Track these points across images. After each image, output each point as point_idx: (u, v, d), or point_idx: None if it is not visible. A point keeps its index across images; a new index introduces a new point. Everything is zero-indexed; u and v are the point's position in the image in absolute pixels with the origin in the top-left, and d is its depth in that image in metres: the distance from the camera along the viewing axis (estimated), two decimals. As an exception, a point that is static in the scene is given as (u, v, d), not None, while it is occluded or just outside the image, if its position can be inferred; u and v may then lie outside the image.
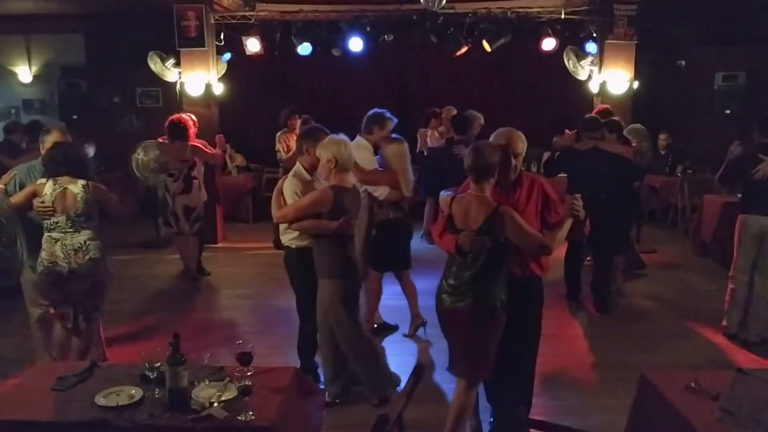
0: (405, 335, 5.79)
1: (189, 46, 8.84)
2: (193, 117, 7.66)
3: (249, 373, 2.90)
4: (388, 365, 4.59)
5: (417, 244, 5.93)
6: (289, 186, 4.35)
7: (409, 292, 5.74)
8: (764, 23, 10.45)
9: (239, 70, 10.13)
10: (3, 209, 4.24)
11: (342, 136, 4.27)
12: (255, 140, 10.69)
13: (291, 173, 4.45)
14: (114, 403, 2.80)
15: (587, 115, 6.81)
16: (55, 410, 2.85)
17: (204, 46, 8.83)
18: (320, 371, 4.63)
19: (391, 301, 6.70)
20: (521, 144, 3.65)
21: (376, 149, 5.37)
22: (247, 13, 9.16)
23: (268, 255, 8.22)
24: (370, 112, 5.50)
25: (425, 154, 7.93)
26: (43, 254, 4.36)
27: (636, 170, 6.56)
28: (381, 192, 5.27)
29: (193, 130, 7.32)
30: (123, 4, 9.46)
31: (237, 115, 10.34)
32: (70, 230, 4.34)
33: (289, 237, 4.47)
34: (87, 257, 4.36)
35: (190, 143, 7.15)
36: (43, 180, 4.37)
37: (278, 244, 4.69)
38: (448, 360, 3.78)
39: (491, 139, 3.69)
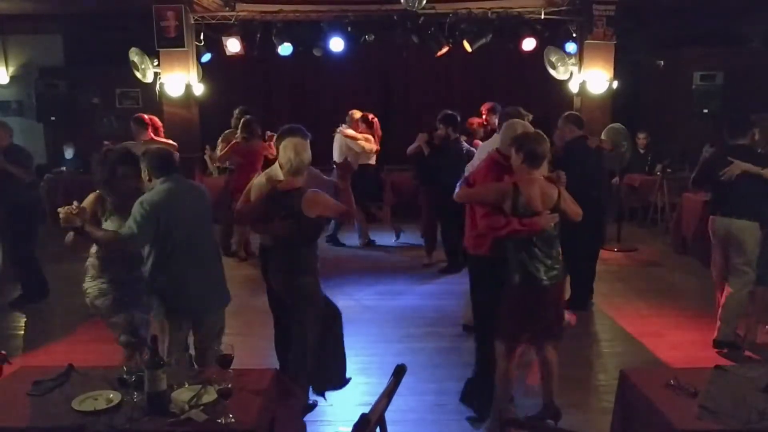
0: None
1: (168, 47, 8.79)
2: (156, 119, 7.78)
3: (229, 376, 2.87)
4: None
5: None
6: (256, 186, 4.31)
7: None
8: (741, 24, 10.60)
9: (219, 70, 10.08)
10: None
11: (300, 140, 4.11)
12: (236, 141, 10.63)
13: (265, 172, 4.39)
14: (92, 408, 2.76)
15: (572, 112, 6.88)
16: (31, 416, 2.80)
17: (183, 47, 8.78)
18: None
19: (371, 301, 6.72)
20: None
21: None
22: (227, 14, 9.12)
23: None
24: (509, 108, 5.43)
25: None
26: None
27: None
28: None
29: (150, 129, 7.48)
30: (101, 4, 9.37)
31: (217, 116, 10.28)
32: None
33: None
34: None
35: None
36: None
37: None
38: (534, 332, 4.03)
39: (503, 130, 4.25)
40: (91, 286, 3.97)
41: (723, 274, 5.43)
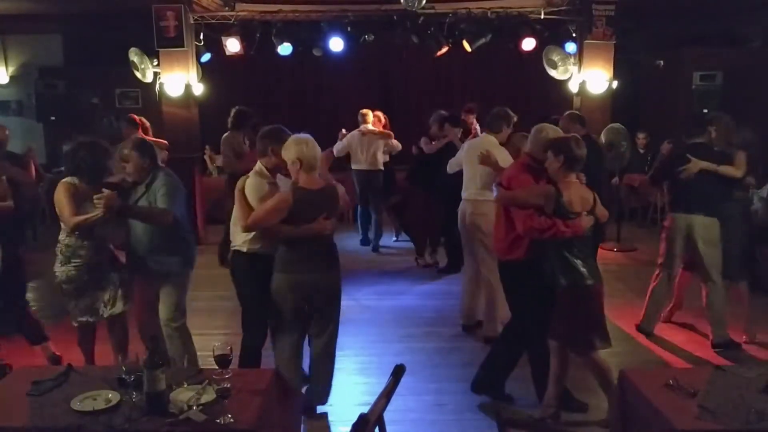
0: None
1: (168, 47, 8.78)
2: (145, 121, 7.88)
3: (227, 376, 2.87)
4: None
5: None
6: (254, 187, 4.06)
7: None
8: (741, 24, 10.59)
9: (219, 70, 10.08)
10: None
11: (305, 135, 4.06)
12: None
13: (252, 173, 4.16)
14: (90, 408, 2.76)
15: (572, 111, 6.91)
16: (30, 416, 2.79)
17: (183, 47, 8.77)
18: None
19: (371, 301, 6.72)
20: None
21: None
22: (226, 13, 9.11)
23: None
24: (496, 109, 5.52)
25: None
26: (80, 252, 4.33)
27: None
28: None
29: (141, 130, 7.56)
30: (101, 4, 9.36)
31: (217, 116, 10.28)
32: None
33: (241, 239, 4.16)
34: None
35: None
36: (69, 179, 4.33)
37: (224, 261, 4.59)
38: (571, 337, 4.01)
39: (534, 134, 4.29)
40: (61, 271, 4.27)
41: (678, 268, 5.64)
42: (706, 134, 5.46)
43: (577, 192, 3.93)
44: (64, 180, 4.26)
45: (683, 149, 5.51)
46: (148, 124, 7.91)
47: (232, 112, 7.75)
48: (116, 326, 4.52)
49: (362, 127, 8.50)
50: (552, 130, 4.30)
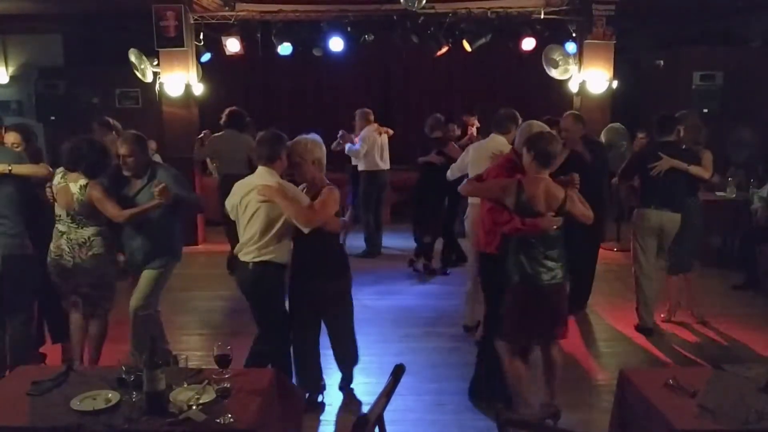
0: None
1: (168, 47, 8.78)
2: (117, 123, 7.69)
3: (227, 376, 2.87)
4: None
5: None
6: (291, 188, 4.13)
7: None
8: (741, 24, 10.59)
9: (219, 70, 10.08)
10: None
11: (317, 136, 4.23)
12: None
13: (278, 180, 4.13)
14: (90, 408, 2.76)
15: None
16: (30, 415, 2.79)
17: (183, 46, 8.78)
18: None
19: (371, 301, 6.72)
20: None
21: None
22: (226, 13, 9.12)
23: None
24: (504, 110, 5.48)
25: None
26: (51, 246, 4.44)
27: None
28: None
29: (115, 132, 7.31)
30: (101, 4, 9.35)
31: (217, 116, 10.29)
32: (73, 225, 4.39)
33: (269, 251, 4.10)
34: (90, 252, 4.39)
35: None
36: (60, 170, 4.47)
37: (232, 266, 4.60)
38: (536, 334, 4.05)
39: (520, 131, 4.28)
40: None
41: (658, 263, 5.80)
42: (675, 133, 5.68)
43: (545, 190, 3.84)
44: (94, 182, 4.39)
45: (654, 147, 5.72)
46: (119, 126, 7.81)
47: (227, 112, 7.73)
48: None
49: (376, 127, 8.34)
50: (537, 126, 4.30)
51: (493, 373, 4.33)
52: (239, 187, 4.18)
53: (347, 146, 8.30)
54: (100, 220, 4.44)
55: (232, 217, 4.27)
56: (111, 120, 7.63)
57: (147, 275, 4.62)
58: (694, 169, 5.57)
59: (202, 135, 7.92)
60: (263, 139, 4.21)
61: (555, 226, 3.85)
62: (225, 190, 4.53)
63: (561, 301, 4.04)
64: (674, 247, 5.75)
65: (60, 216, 4.43)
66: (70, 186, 4.39)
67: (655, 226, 5.65)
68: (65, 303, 4.69)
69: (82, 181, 4.38)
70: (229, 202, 4.23)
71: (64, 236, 4.41)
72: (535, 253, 3.86)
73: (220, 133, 7.70)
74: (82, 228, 4.41)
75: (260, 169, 4.16)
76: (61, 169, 4.49)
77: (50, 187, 4.45)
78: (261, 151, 4.17)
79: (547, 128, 4.38)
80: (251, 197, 4.08)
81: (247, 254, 4.14)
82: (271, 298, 4.25)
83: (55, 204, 4.45)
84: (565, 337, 4.15)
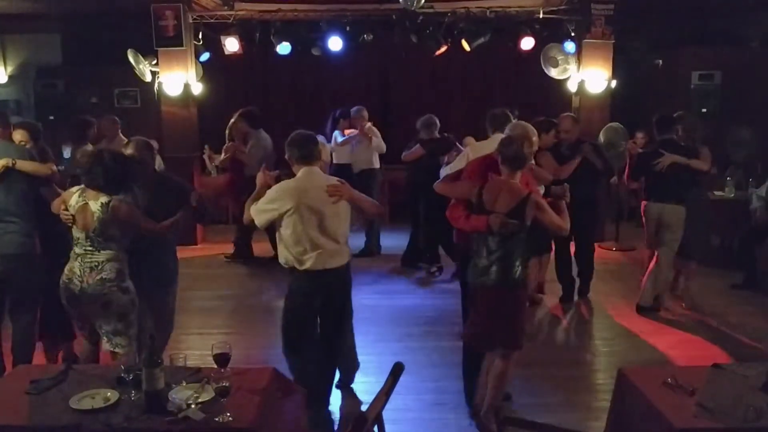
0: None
1: (167, 46, 8.78)
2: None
3: (226, 374, 2.87)
4: None
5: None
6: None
7: None
8: (739, 23, 10.58)
9: (218, 69, 10.07)
10: None
11: (320, 138, 4.29)
12: (235, 141, 10.61)
13: (321, 176, 4.12)
14: (89, 407, 2.76)
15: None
16: (29, 414, 2.79)
17: (182, 46, 8.78)
18: None
19: (370, 301, 6.72)
20: (535, 138, 4.25)
21: None
22: (225, 13, 9.11)
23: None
24: (499, 110, 5.43)
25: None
26: (65, 268, 4.00)
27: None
28: None
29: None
30: (100, 3, 9.35)
31: (216, 116, 10.28)
32: (90, 248, 3.91)
33: (348, 250, 4.14)
34: (98, 277, 3.89)
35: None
36: (75, 189, 3.99)
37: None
38: (476, 336, 4.08)
39: (507, 133, 4.22)
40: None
41: (654, 249, 6.22)
42: (674, 131, 6.15)
43: (497, 190, 3.85)
44: (117, 198, 3.92)
45: (656, 145, 6.16)
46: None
47: (249, 111, 7.67)
48: None
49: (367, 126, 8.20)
50: (521, 128, 4.28)
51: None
52: (287, 192, 3.92)
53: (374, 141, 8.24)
54: (120, 243, 3.98)
55: (266, 220, 3.98)
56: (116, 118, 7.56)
57: None
58: (694, 163, 5.96)
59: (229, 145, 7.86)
60: (303, 140, 4.04)
61: (498, 227, 3.75)
62: (250, 191, 4.28)
63: (496, 306, 3.94)
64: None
65: (78, 239, 3.94)
66: (90, 204, 3.89)
67: (654, 217, 6.09)
68: (78, 330, 4.36)
69: (104, 199, 3.89)
70: (279, 207, 3.92)
71: (79, 259, 3.94)
72: (478, 251, 3.90)
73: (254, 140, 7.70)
74: (98, 251, 3.92)
75: (307, 169, 3.98)
76: (78, 186, 4.01)
77: (66, 209, 3.94)
78: (304, 151, 4.00)
79: (532, 128, 4.33)
80: (317, 198, 3.91)
81: (336, 258, 4.02)
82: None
83: (73, 227, 3.97)
84: (512, 347, 4.01)
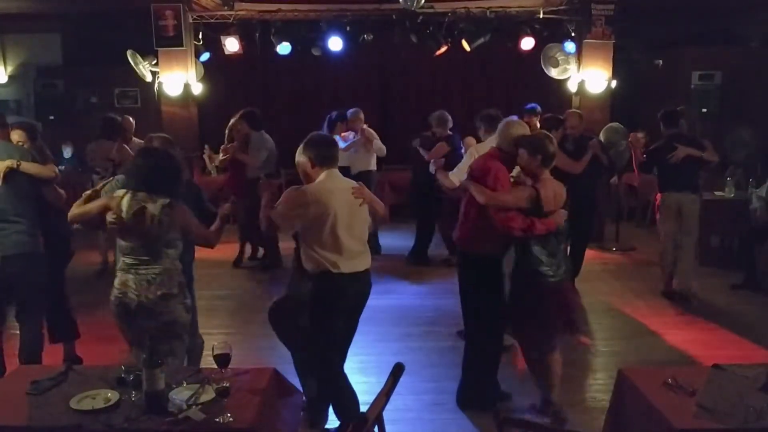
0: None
1: (167, 46, 8.79)
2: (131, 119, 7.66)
3: (226, 375, 2.87)
4: None
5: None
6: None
7: None
8: (739, 23, 10.59)
9: (218, 69, 10.07)
10: None
11: None
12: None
13: (342, 178, 3.96)
14: (89, 407, 2.76)
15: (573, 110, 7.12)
16: (30, 415, 2.80)
17: (182, 46, 8.78)
18: None
19: (370, 300, 6.71)
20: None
21: None
22: (225, 13, 9.12)
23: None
24: (494, 111, 5.51)
25: None
26: (116, 282, 3.59)
27: None
28: None
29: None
30: (100, 3, 9.36)
31: (216, 116, 10.29)
32: (146, 257, 3.52)
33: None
34: (160, 292, 3.50)
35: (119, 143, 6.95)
36: (121, 192, 3.56)
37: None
38: (549, 336, 4.13)
39: (504, 127, 4.27)
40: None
41: (676, 241, 6.43)
42: (680, 126, 6.53)
43: (551, 189, 3.99)
44: (168, 202, 3.51)
45: (667, 139, 6.41)
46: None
47: (250, 112, 7.65)
48: None
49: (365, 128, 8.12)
50: (521, 126, 4.33)
51: (483, 379, 4.36)
52: (316, 195, 3.72)
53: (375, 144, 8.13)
54: (178, 250, 3.64)
55: (293, 225, 3.81)
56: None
57: None
58: (708, 155, 6.29)
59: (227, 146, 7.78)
60: (324, 142, 3.90)
61: (563, 220, 4.02)
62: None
63: (570, 297, 4.19)
64: None
65: (132, 248, 3.54)
66: (149, 207, 3.46)
67: (673, 207, 6.35)
68: (134, 352, 3.67)
69: (164, 200, 3.50)
70: (311, 211, 3.72)
71: (132, 270, 3.53)
72: (543, 251, 3.97)
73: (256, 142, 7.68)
74: (156, 261, 3.53)
75: (330, 172, 3.80)
76: (121, 191, 3.58)
77: (114, 217, 3.52)
78: (327, 153, 3.83)
79: (525, 126, 4.41)
80: (345, 201, 3.77)
81: (364, 260, 3.92)
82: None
83: (121, 235, 3.61)
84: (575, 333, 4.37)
